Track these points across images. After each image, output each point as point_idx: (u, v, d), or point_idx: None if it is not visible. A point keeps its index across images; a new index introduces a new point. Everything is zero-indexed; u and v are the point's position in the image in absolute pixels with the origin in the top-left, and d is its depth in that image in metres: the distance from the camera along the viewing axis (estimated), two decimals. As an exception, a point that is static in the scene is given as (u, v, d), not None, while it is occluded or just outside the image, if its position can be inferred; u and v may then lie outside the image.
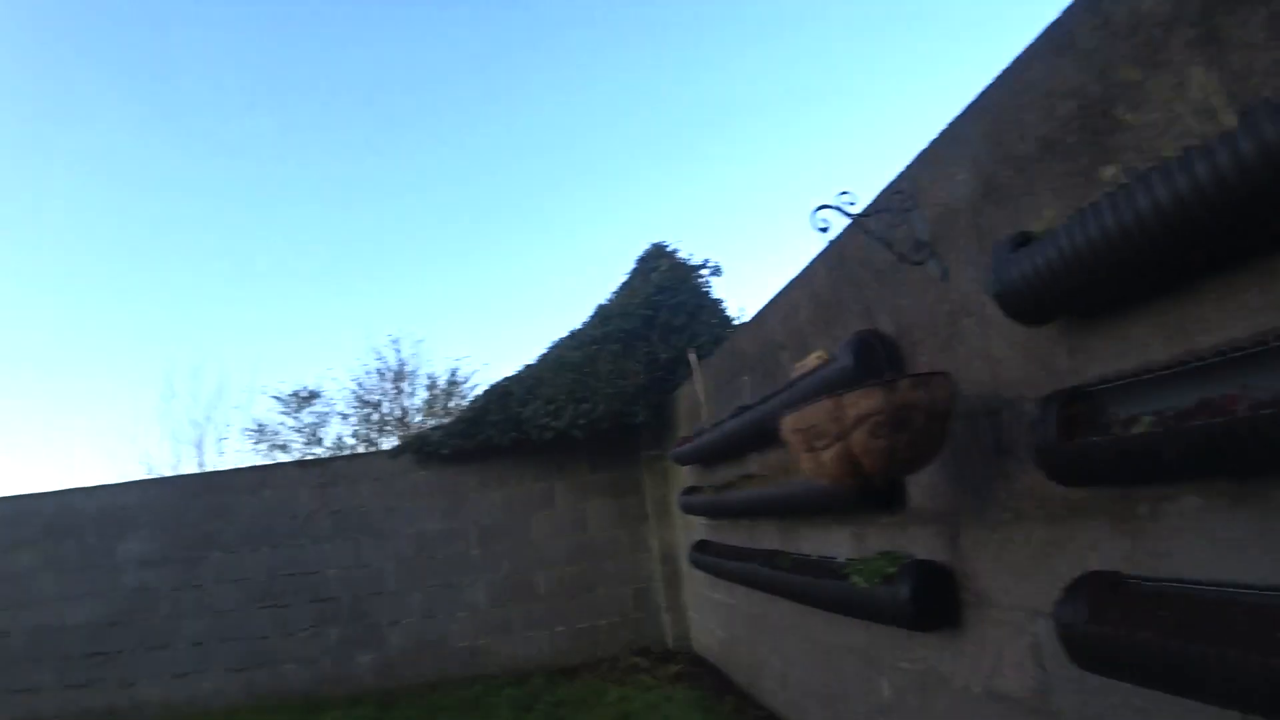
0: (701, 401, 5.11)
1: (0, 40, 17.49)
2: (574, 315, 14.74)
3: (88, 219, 19.55)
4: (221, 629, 7.13)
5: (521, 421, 6.83)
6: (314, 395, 16.19)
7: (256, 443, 16.04)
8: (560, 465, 7.26)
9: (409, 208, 21.61)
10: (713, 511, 4.98)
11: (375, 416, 16.84)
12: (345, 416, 16.56)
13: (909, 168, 2.54)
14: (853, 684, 3.37)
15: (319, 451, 15.39)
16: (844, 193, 2.24)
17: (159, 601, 7.24)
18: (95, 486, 7.65)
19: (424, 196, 21.17)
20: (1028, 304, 1.73)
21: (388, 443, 15.25)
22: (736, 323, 6.84)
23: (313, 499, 7.37)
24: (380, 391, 16.91)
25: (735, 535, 4.77)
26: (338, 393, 16.73)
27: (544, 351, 7.28)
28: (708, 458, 4.92)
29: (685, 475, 5.86)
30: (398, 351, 17.10)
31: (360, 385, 16.63)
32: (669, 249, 7.22)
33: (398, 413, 16.89)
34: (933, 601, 2.40)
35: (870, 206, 2.58)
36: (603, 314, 7.01)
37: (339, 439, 16.21)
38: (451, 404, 16.77)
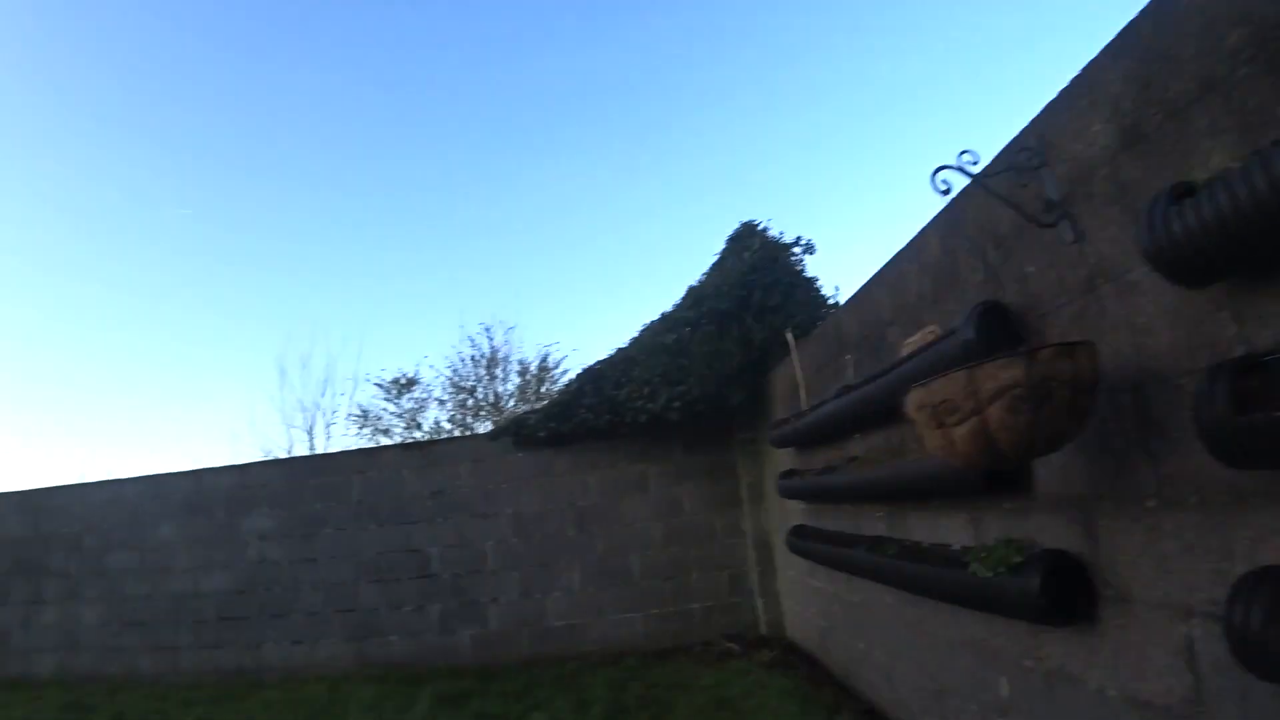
0: (799, 383, 4.95)
1: (134, 27, 18.94)
2: (663, 299, 14.68)
3: (220, 217, 21.07)
4: (334, 600, 7.56)
5: (616, 404, 6.84)
6: (413, 382, 16.93)
7: (361, 427, 16.94)
8: (654, 449, 7.24)
9: (496, 195, 22.13)
10: (813, 495, 4.82)
11: (470, 402, 17.43)
12: (442, 402, 17.24)
13: (1036, 121, 2.31)
14: (966, 681, 3.17)
15: (418, 436, 16.08)
16: (964, 152, 2.06)
17: (279, 573, 7.76)
18: (223, 467, 8.27)
19: (510, 184, 21.62)
20: (1191, 263, 1.52)
21: (482, 427, 15.76)
22: (831, 302, 6.60)
23: (415, 480, 7.67)
24: (474, 377, 17.49)
25: (836, 520, 4.60)
26: (434, 379, 17.44)
27: (636, 334, 7.27)
28: (807, 440, 4.76)
29: (782, 459, 5.71)
30: (490, 338, 17.64)
31: (455, 371, 17.27)
32: (760, 227, 7.02)
33: (491, 398, 17.41)
34: (1065, 594, 2.19)
35: (993, 165, 2.37)
36: (695, 295, 6.91)
37: (436, 423, 16.89)
38: (543, 389, 17.12)
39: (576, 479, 7.39)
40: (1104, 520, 2.15)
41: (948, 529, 3.16)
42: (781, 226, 7.13)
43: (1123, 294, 1.98)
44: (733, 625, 6.89)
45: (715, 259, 7.28)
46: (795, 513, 5.55)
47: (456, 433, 15.42)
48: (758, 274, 6.51)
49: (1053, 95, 2.22)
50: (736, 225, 7.24)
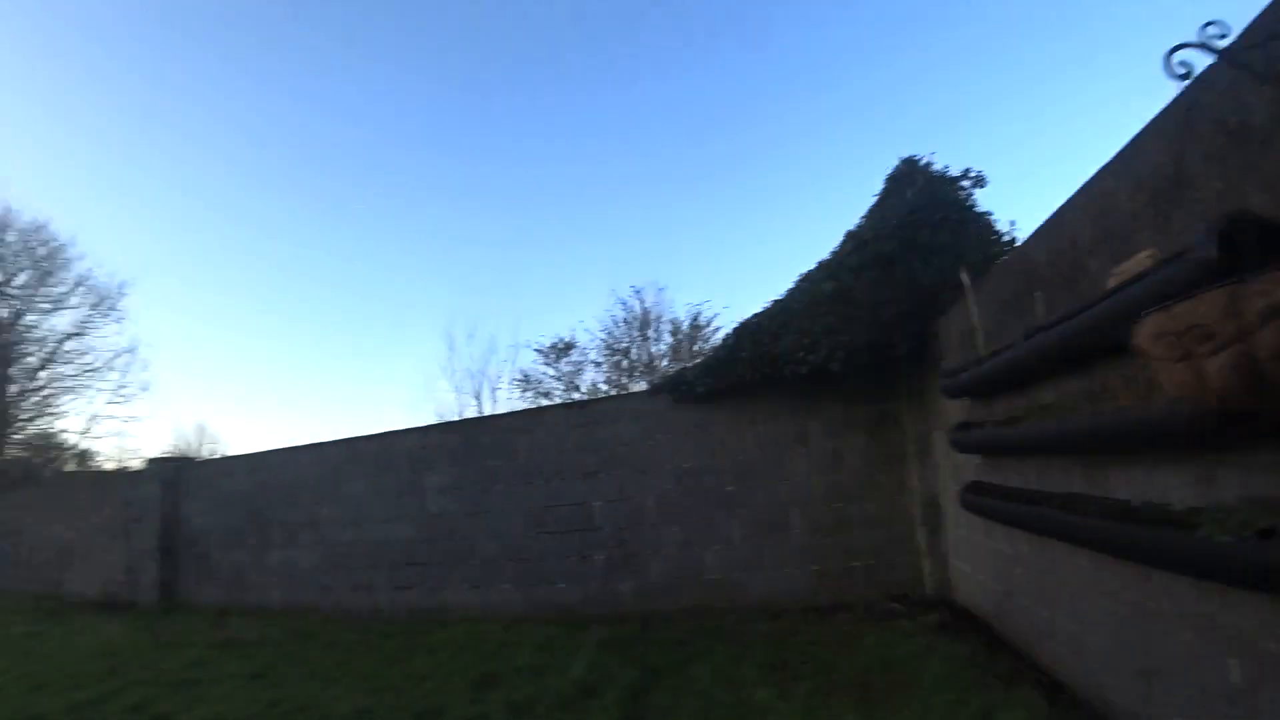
0: (975, 327, 4.51)
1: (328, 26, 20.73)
2: (817, 250, 14.09)
3: (395, 211, 22.88)
4: (507, 550, 8.07)
5: (774, 357, 6.61)
6: (570, 346, 17.59)
7: (524, 391, 17.91)
8: (813, 402, 6.98)
9: (643, 152, 22.13)
10: (993, 449, 4.40)
11: (624, 363, 17.86)
12: (598, 364, 17.81)
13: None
14: (1182, 660, 2.75)
15: (576, 397, 16.73)
16: (1210, 24, 1.67)
17: (456, 525, 8.40)
18: (405, 430, 9.08)
19: (658, 145, 21.52)
20: None
21: (636, 388, 16.08)
22: (1008, 238, 5.95)
23: (577, 438, 7.94)
24: (627, 339, 17.87)
25: (1019, 475, 4.17)
26: (590, 342, 18.01)
27: (791, 285, 6.96)
28: (986, 389, 4.33)
29: (953, 410, 5.28)
30: (641, 300, 17.89)
31: (609, 334, 17.71)
32: (922, 162, 6.43)
33: (645, 358, 17.72)
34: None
35: (1247, 35, 1.91)
36: (854, 239, 6.47)
37: (594, 384, 17.49)
38: (695, 348, 17.17)
39: (735, 434, 7.30)
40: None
41: (1165, 486, 2.73)
42: (945, 161, 6.43)
43: None
44: (896, 585, 6.58)
45: (874, 200, 6.79)
46: (969, 468, 5.13)
47: (613, 394, 15.86)
48: (922, 212, 5.97)
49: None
50: (895, 163, 6.70)
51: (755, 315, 7.02)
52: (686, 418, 7.51)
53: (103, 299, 25.73)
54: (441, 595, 8.37)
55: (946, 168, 6.26)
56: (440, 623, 7.67)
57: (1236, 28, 1.86)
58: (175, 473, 11.52)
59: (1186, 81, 1.79)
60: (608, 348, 17.80)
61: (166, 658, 6.95)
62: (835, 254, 6.66)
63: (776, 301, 6.94)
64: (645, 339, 17.91)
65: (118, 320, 26.43)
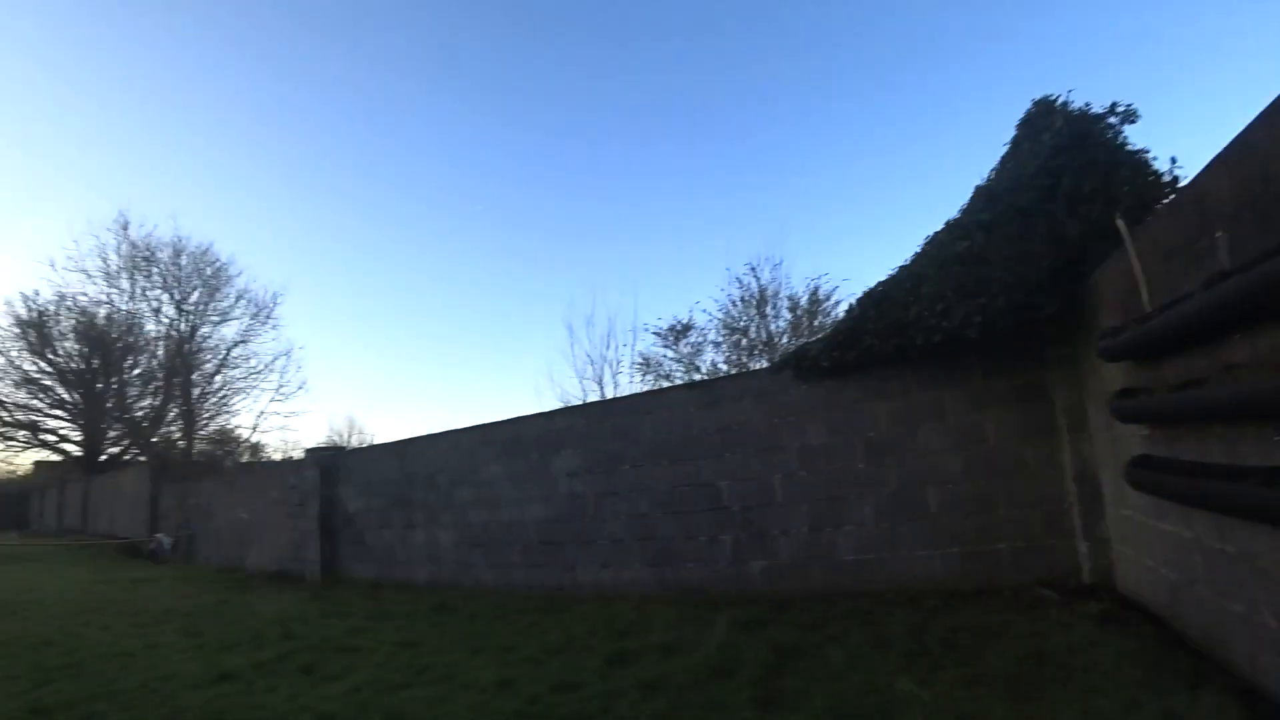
0: (1137, 279, 4.00)
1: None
2: (943, 213, 13.23)
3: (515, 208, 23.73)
4: (636, 530, 8.17)
5: (905, 326, 6.17)
6: (688, 327, 17.55)
7: (644, 374, 18.07)
8: (948, 372, 6.50)
9: (754, 132, 21.60)
10: (1166, 418, 3.88)
11: (743, 342, 17.60)
12: (717, 344, 17.65)
13: None
14: None
15: (697, 378, 16.68)
16: None
17: (586, 505, 8.62)
18: (533, 415, 9.45)
19: (768, 119, 20.92)
20: None
21: (756, 366, 15.80)
22: (1170, 177, 5.17)
23: (701, 418, 7.90)
24: (745, 317, 17.57)
25: (1199, 448, 3.66)
26: (708, 323, 17.87)
27: (918, 250, 6.51)
28: (1154, 349, 3.83)
29: (1111, 375, 4.75)
30: (757, 277, 17.51)
31: (726, 313, 17.49)
32: (1060, 102, 5.78)
33: (764, 336, 17.37)
34: None
35: None
36: (986, 194, 5.93)
37: (714, 365, 17.37)
38: (815, 322, 16.64)
39: (864, 409, 6.96)
40: None
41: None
42: (1086, 98, 5.71)
43: None
44: (1047, 570, 6.02)
45: (1006, 149, 6.21)
46: (1133, 440, 4.58)
47: (734, 373, 15.70)
48: (1064, 156, 5.36)
49: None
50: (1027, 107, 6.09)
51: (881, 283, 6.61)
52: (811, 394, 7.26)
53: (260, 309, 30.23)
54: (573, 574, 8.62)
55: (1088, 105, 5.59)
56: (573, 600, 7.90)
57: None
58: (330, 461, 12.63)
59: None
60: (726, 327, 17.59)
61: (330, 625, 7.65)
62: (965, 211, 6.16)
63: (903, 267, 6.51)
64: (763, 316, 17.56)
65: (274, 327, 30.70)
